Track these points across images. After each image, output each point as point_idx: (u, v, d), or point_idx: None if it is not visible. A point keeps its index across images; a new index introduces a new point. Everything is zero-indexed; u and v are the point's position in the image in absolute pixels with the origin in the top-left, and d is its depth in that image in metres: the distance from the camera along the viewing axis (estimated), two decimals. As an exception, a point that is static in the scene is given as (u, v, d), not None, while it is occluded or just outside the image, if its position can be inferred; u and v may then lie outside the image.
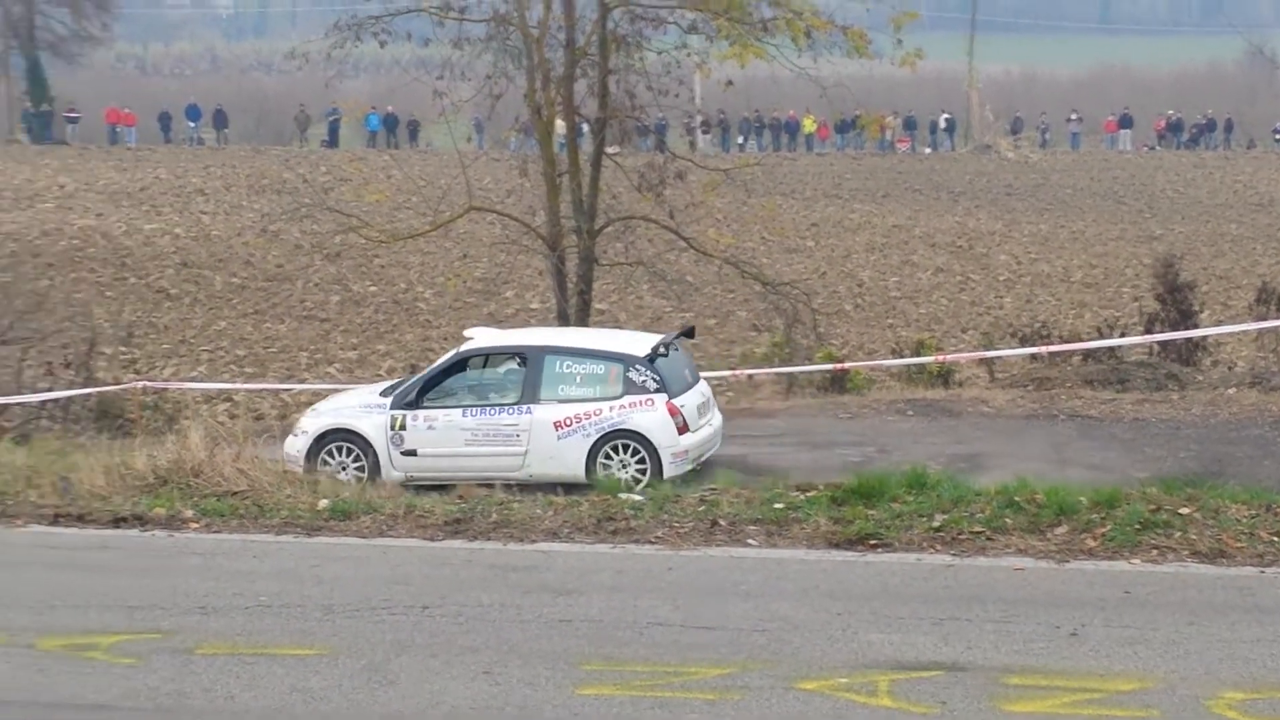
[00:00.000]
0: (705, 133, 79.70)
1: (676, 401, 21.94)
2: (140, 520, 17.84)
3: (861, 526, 16.44)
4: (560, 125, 33.68)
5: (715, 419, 23.29)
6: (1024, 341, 32.07)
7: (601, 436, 21.64)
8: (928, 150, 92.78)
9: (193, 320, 45.26)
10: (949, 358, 31.85)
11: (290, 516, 17.75)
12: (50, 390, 29.37)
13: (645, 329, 43.80)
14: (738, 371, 31.76)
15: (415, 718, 11.95)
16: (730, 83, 35.02)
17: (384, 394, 23.03)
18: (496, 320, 43.23)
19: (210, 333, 44.02)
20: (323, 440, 22.15)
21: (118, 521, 17.87)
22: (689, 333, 25.23)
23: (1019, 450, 22.87)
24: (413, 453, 21.92)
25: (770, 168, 62.49)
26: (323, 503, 18.13)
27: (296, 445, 22.03)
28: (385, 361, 41.12)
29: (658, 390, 21.89)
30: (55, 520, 18.15)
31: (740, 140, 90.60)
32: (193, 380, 35.77)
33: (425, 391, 22.44)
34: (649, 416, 21.69)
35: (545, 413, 21.76)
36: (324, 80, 37.05)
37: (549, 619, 13.92)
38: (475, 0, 33.72)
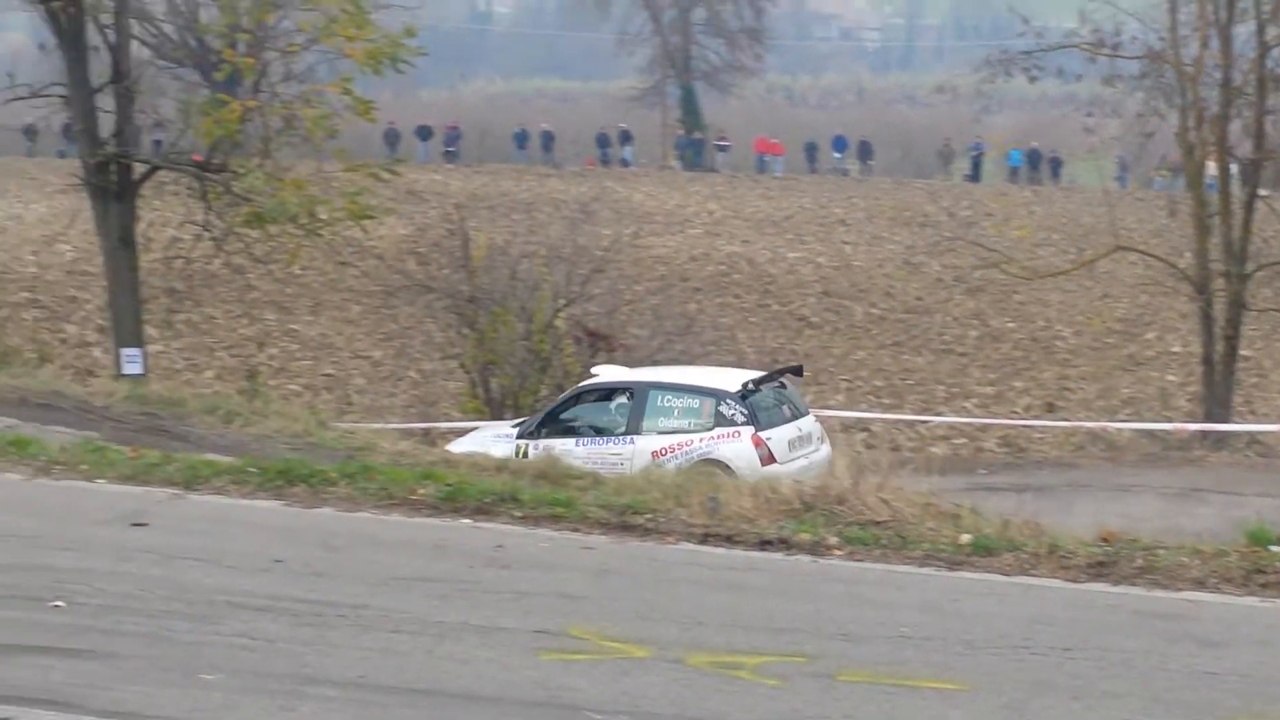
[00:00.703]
0: (1359, 178, 76.76)
1: (764, 434, 23.66)
2: (785, 544, 18.15)
3: None
4: (1210, 165, 33.09)
5: (820, 452, 24.28)
6: None
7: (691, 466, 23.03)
8: None
9: (832, 349, 45.99)
10: None
11: (932, 549, 17.82)
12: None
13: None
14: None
15: (1058, 759, 11.94)
16: (1391, 128, 33.79)
17: (514, 425, 26.13)
18: (1136, 363, 42.63)
19: (849, 362, 44.67)
20: None
21: (763, 544, 18.22)
22: (797, 370, 27.66)
23: None
24: None
25: None
26: (965, 537, 18.13)
27: None
28: (1022, 399, 40.97)
29: (746, 423, 23.81)
30: (704, 539, 18.62)
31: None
32: (831, 408, 36.32)
33: (546, 423, 25.16)
34: (733, 447, 23.60)
35: (646, 443, 24.02)
36: (970, 114, 37.37)
37: (1194, 670, 13.64)
38: (1128, 38, 33.45)
